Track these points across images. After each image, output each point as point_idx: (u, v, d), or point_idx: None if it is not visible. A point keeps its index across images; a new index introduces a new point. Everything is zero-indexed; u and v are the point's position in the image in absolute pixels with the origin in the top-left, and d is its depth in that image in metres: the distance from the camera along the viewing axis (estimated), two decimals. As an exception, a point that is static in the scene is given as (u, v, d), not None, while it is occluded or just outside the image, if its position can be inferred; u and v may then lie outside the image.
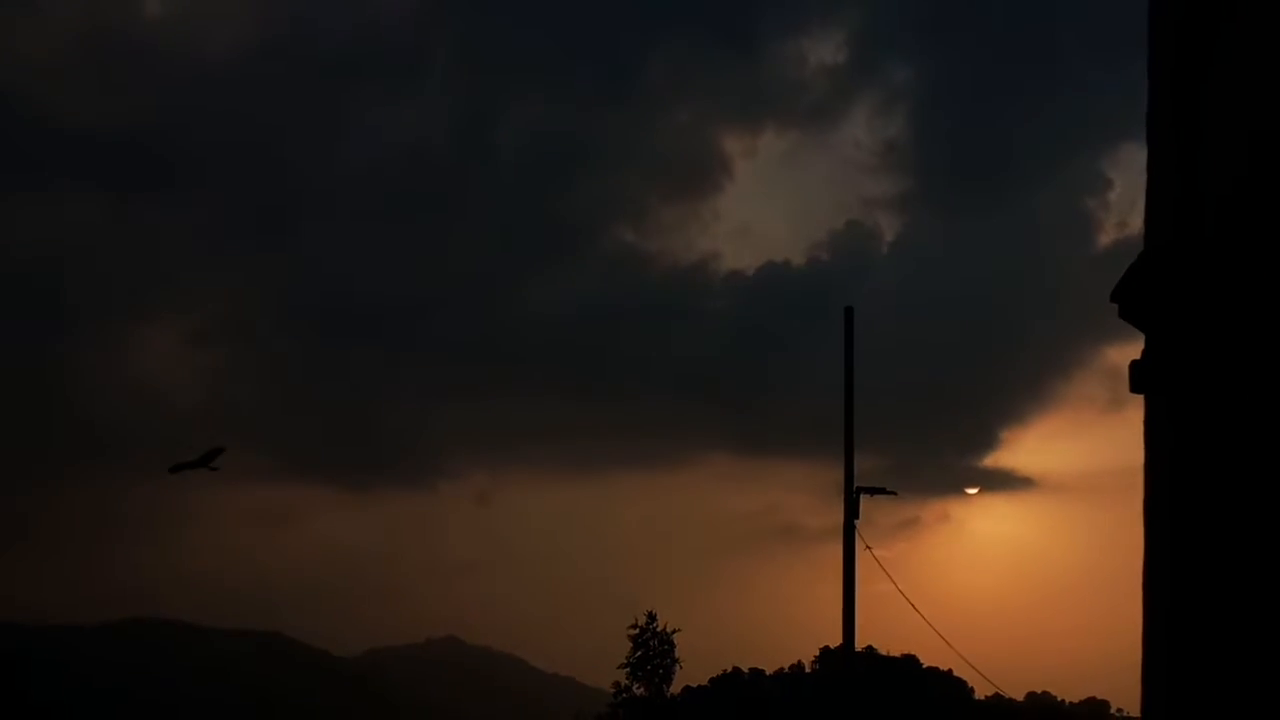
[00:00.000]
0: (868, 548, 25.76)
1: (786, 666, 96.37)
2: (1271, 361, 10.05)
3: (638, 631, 31.69)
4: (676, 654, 31.64)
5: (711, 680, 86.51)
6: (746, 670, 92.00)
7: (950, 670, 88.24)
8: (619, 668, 31.71)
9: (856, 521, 25.82)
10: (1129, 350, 11.60)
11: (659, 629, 31.65)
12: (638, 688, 31.17)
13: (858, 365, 26.13)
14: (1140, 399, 11.50)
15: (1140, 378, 11.26)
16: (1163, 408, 10.96)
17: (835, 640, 26.39)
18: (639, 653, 31.55)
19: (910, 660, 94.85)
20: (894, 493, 26.59)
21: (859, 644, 26.46)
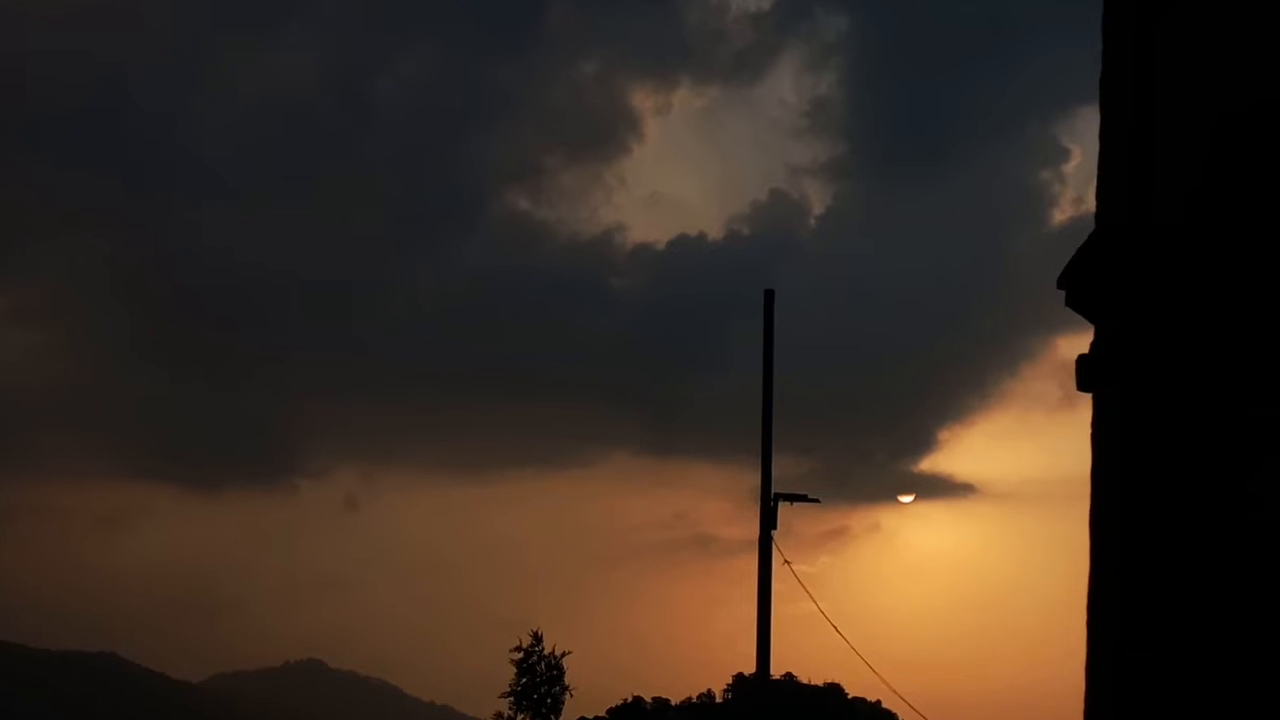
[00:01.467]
0: (786, 562, 25.97)
1: (695, 696, 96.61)
2: (1232, 357, 10.12)
3: (522, 655, 31.58)
4: (567, 680, 31.62)
5: (610, 711, 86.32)
6: (649, 700, 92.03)
7: (879, 701, 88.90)
8: (501, 696, 31.68)
9: (774, 532, 25.95)
10: (1083, 343, 11.62)
11: (546, 652, 31.59)
12: (521, 719, 31.09)
13: (780, 356, 26.29)
14: (1089, 398, 11.51)
15: (1087, 373, 11.28)
16: (1113, 408, 10.97)
17: (750, 667, 26.53)
18: (524, 679, 31.44)
19: (834, 690, 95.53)
20: (816, 500, 26.81)
21: (777, 671, 26.60)
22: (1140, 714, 10.34)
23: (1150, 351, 10.70)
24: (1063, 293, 11.55)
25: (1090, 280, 11.07)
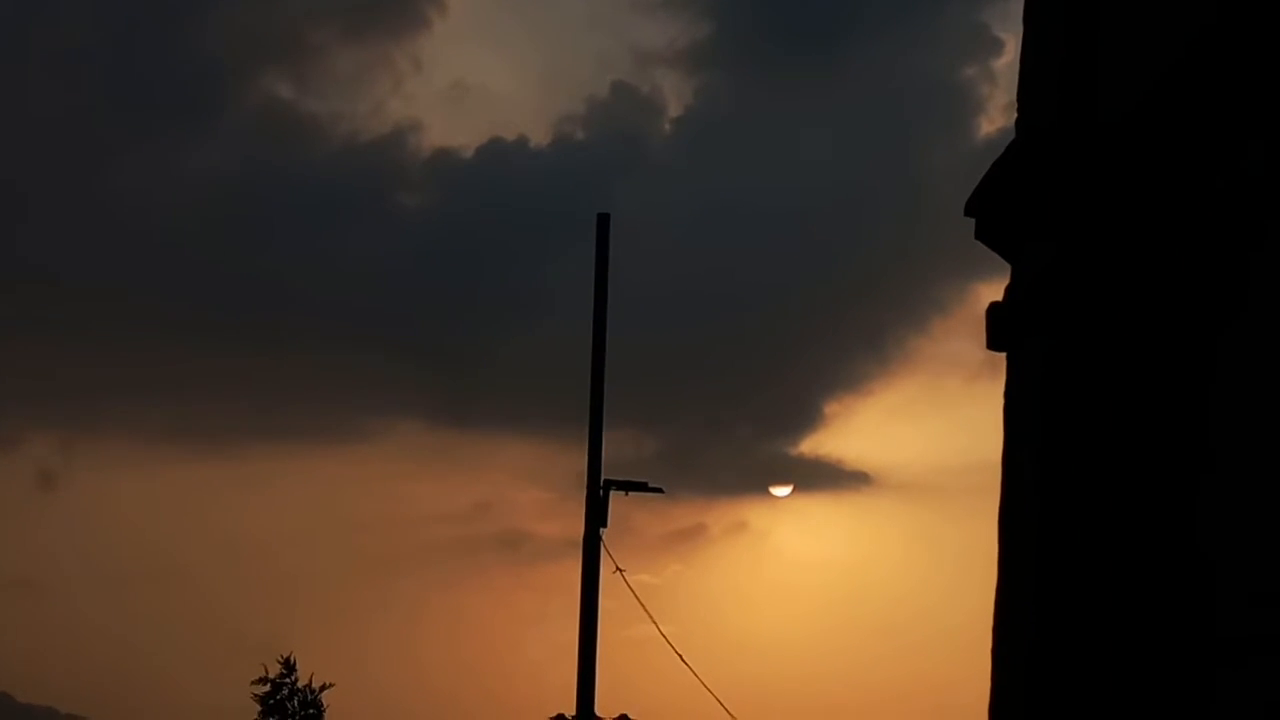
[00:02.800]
0: (618, 569, 25.66)
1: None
2: (1189, 293, 9.92)
3: (269, 688, 31.25)
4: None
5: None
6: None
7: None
8: None
9: (604, 530, 25.73)
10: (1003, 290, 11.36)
11: (300, 684, 31.31)
12: (269, 772, 30.96)
13: (618, 298, 26.01)
14: (1003, 359, 11.48)
15: (1001, 326, 11.21)
16: (1031, 370, 10.90)
17: (570, 706, 26.41)
18: (271, 719, 31.17)
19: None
20: (659, 490, 26.60)
21: (608, 711, 26.40)
22: None
23: (1081, 295, 10.55)
24: (971, 222, 11.51)
25: (1005, 204, 10.96)
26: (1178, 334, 10.00)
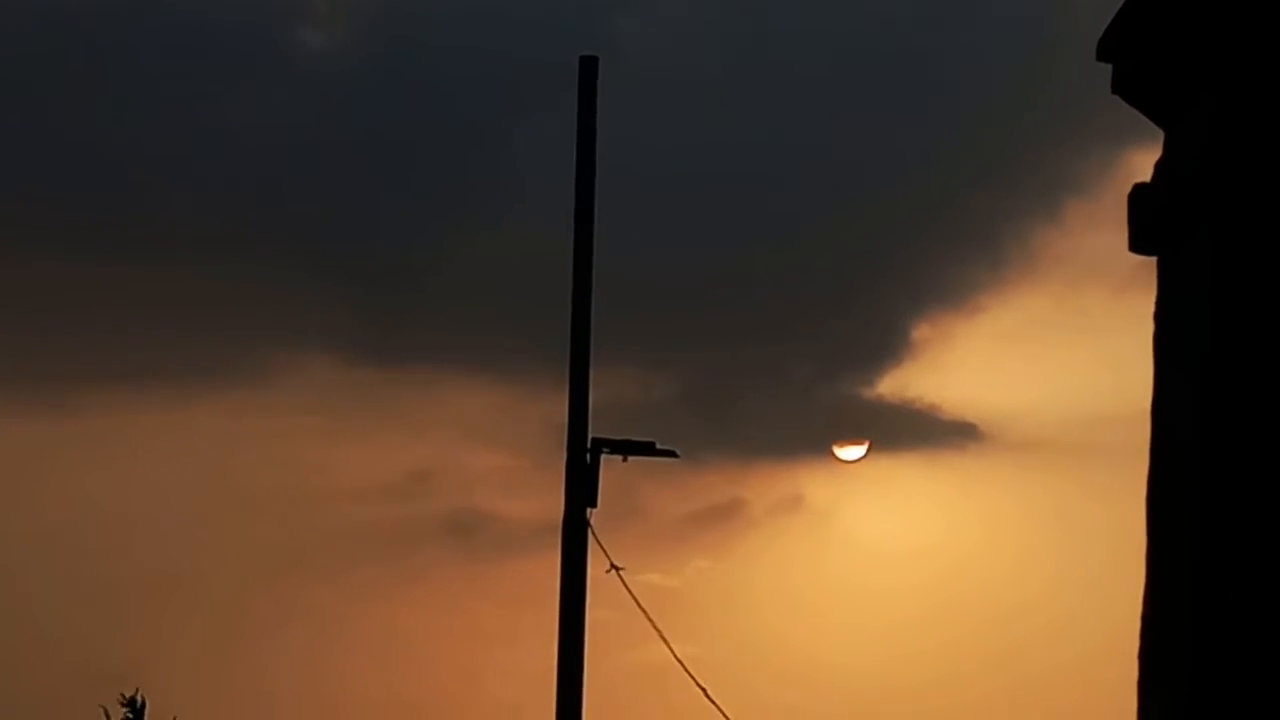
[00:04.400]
0: (613, 568, 25.53)
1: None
2: None
3: (108, 730, 31.73)
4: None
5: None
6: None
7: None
8: None
9: (593, 511, 25.65)
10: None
11: (148, 724, 31.62)
12: None
13: (610, 184, 25.96)
14: (1152, 264, 11.40)
15: (1149, 222, 11.19)
16: (1193, 284, 10.90)
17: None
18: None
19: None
20: (671, 452, 26.50)
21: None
22: None
23: (1264, 173, 10.60)
24: (1109, 70, 11.46)
25: (1155, 42, 10.88)
26: None
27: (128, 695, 31.81)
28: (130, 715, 31.29)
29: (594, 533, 25.30)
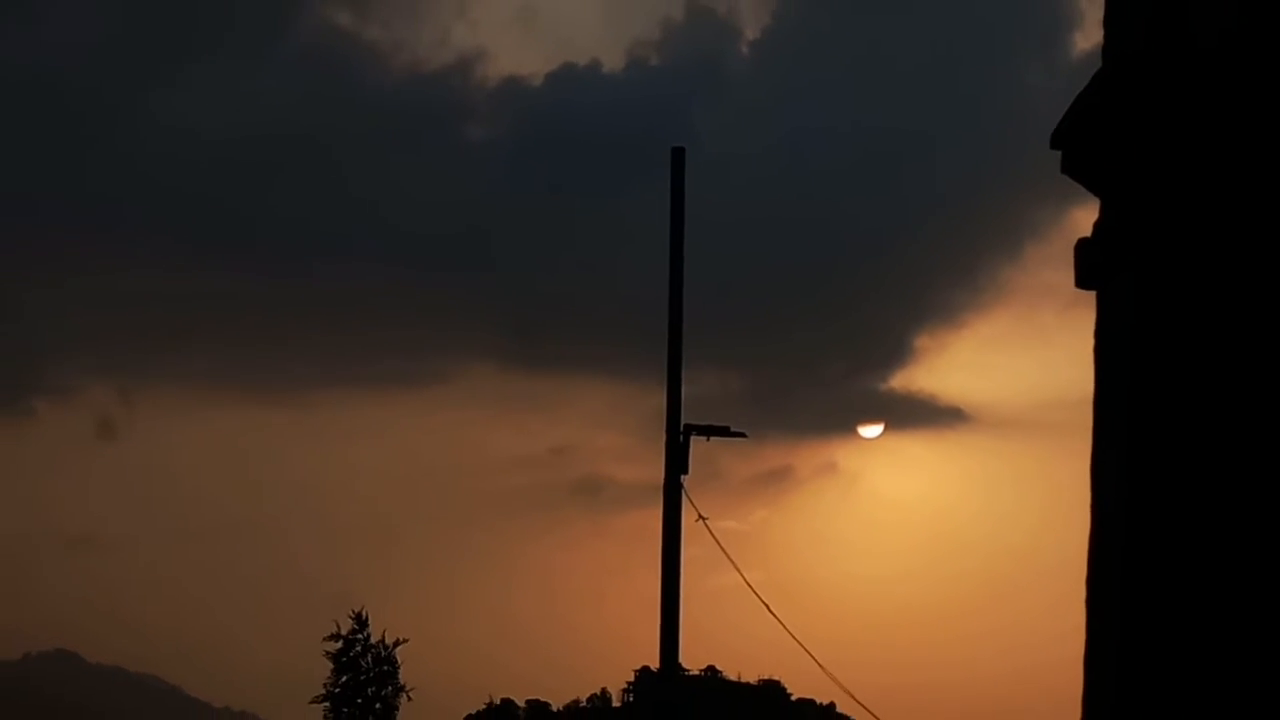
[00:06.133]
0: (701, 517, 25.08)
1: (584, 698, 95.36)
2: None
3: (341, 644, 30.64)
4: (402, 678, 30.64)
5: (468, 718, 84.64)
6: (522, 704, 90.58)
7: (832, 704, 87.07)
8: (312, 701, 30.69)
9: (685, 477, 25.18)
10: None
11: (373, 640, 30.68)
12: (342, 729, 29.99)
13: (697, 232, 25.37)
14: (1092, 295, 11.07)
15: (1090, 262, 10.87)
16: (1122, 309, 10.60)
17: (656, 658, 25.77)
18: (344, 678, 30.50)
19: (773, 689, 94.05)
20: (740, 434, 26.06)
21: (696, 663, 25.96)
22: (1150, 704, 10.08)
23: (1176, 230, 10.23)
24: (1059, 155, 11.06)
25: (1094, 132, 10.59)
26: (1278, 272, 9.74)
27: (355, 611, 31.09)
28: (356, 626, 30.63)
29: (686, 492, 25.05)
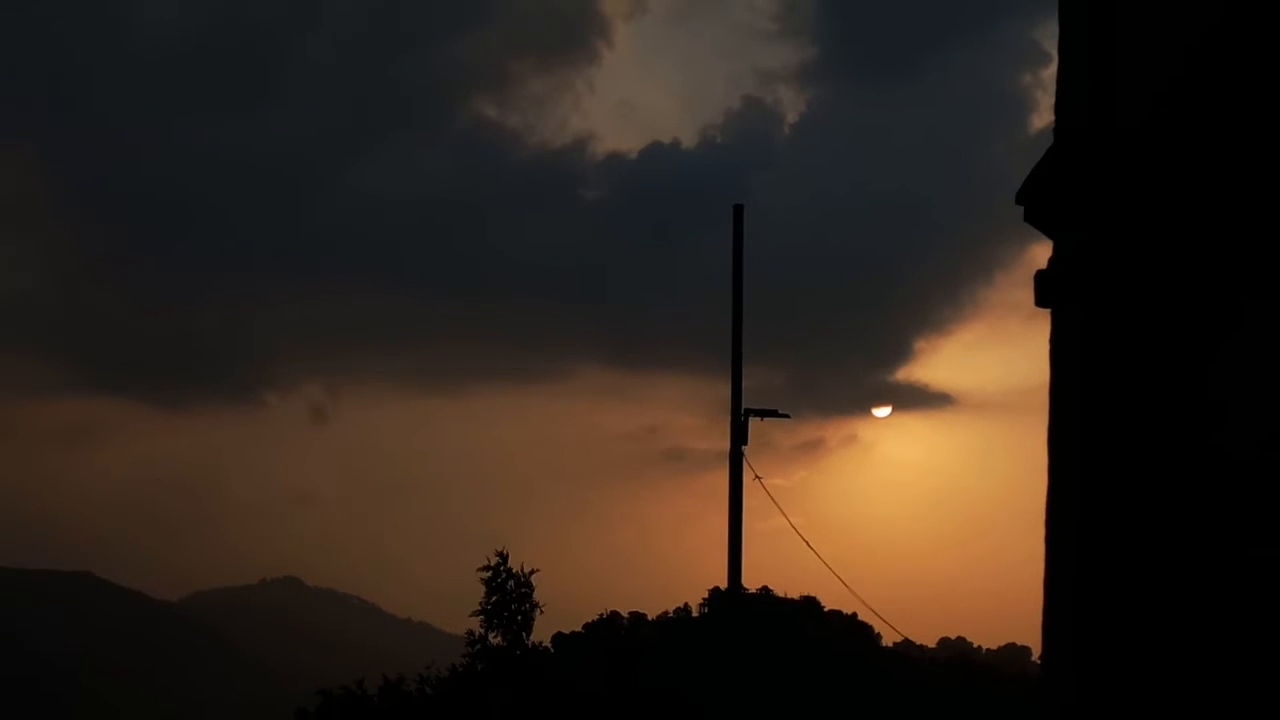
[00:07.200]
0: (757, 478, 26.00)
1: (671, 610, 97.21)
2: (1193, 272, 9.91)
3: (490, 573, 31.71)
4: (536, 597, 31.76)
5: (585, 627, 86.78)
6: (626, 615, 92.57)
7: (854, 614, 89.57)
8: (472, 615, 31.81)
9: (745, 447, 26.02)
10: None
11: (514, 570, 31.69)
12: (494, 636, 31.22)
13: (753, 265, 26.29)
14: (1048, 312, 11.48)
15: (1046, 290, 11.09)
16: (1070, 326, 10.82)
17: (725, 582, 26.70)
18: (494, 597, 31.58)
19: (810, 603, 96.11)
20: (786, 415, 26.87)
21: (753, 585, 26.79)
22: (1097, 637, 10.26)
23: (1109, 267, 10.47)
24: (1023, 208, 11.08)
25: (1047, 191, 10.76)
26: (1191, 309, 10.10)
27: (499, 550, 31.82)
28: (500, 560, 31.22)
29: (746, 459, 25.66)
